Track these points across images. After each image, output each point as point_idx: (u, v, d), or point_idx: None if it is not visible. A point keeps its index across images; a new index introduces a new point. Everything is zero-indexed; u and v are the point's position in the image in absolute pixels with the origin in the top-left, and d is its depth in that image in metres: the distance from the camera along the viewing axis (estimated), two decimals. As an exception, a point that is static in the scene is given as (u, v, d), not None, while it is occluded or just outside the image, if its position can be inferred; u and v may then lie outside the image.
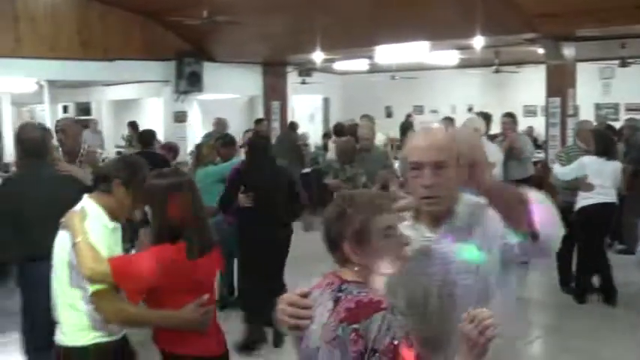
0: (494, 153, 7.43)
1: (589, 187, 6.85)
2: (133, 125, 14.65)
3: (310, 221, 6.50)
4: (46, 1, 11.19)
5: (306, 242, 6.43)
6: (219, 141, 7.45)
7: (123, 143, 14.85)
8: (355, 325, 1.96)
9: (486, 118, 8.82)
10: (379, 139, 10.02)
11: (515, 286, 2.48)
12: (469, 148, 2.29)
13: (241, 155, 7.54)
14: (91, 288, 2.99)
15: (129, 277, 2.97)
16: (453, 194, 2.36)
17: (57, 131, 5.65)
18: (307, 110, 18.77)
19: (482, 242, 2.29)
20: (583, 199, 6.93)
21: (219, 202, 5.92)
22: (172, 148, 8.55)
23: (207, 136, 10.84)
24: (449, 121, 9.55)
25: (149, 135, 8.63)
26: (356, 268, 2.10)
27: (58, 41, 11.27)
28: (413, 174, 2.33)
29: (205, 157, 7.13)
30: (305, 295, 2.18)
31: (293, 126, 13.65)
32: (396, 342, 1.92)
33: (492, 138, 8.75)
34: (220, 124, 11.56)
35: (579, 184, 6.93)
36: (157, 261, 2.99)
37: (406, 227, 2.31)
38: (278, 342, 5.96)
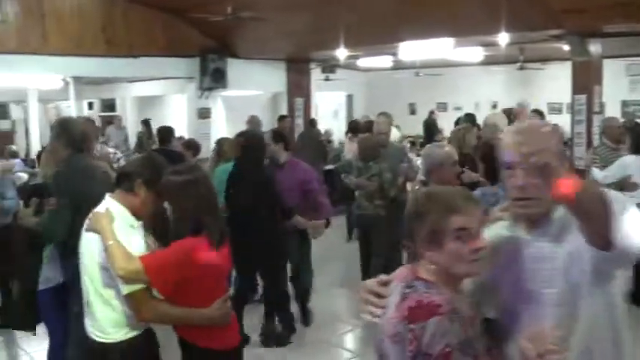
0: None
1: (634, 187, 6.57)
2: (145, 123, 14.73)
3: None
4: (72, -2, 11.30)
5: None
6: (240, 138, 7.47)
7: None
8: (412, 326, 1.96)
9: (510, 114, 8.76)
10: (394, 135, 9.96)
11: (610, 301, 2.19)
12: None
13: None
14: (125, 289, 3.07)
15: (160, 273, 3.06)
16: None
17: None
18: (331, 107, 18.77)
19: (575, 250, 2.07)
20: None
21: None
22: (192, 145, 8.53)
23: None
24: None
25: (166, 132, 8.65)
26: (431, 267, 2.09)
27: (84, 38, 11.35)
28: (506, 174, 2.18)
29: (226, 153, 7.12)
30: (385, 284, 2.17)
31: (313, 122, 13.65)
32: (449, 349, 1.91)
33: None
34: (254, 122, 11.55)
35: (624, 185, 6.58)
36: (185, 254, 3.11)
37: (502, 228, 2.28)
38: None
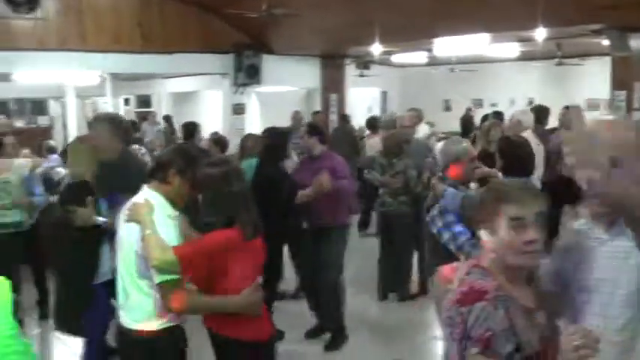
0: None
1: None
2: (167, 119, 14.83)
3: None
4: (109, -5, 11.43)
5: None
6: (264, 134, 7.46)
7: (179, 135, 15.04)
8: (462, 309, 2.02)
9: (540, 111, 8.64)
10: (423, 130, 9.88)
11: None
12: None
13: None
14: (158, 278, 3.11)
15: (194, 263, 3.11)
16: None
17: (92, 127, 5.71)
18: (365, 103, 18.73)
19: None
20: None
21: None
22: (220, 141, 8.52)
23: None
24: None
25: (191, 128, 8.67)
26: (491, 255, 2.12)
27: (121, 35, 11.48)
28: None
29: (250, 149, 7.11)
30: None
31: (346, 118, 13.63)
32: (489, 334, 1.96)
33: (551, 132, 8.55)
34: (297, 117, 11.57)
35: None
36: (218, 245, 3.18)
37: (581, 225, 2.29)
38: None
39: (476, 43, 11.21)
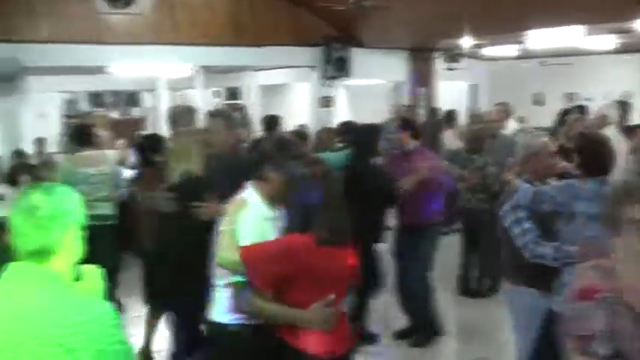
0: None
1: None
2: (239, 109, 14.88)
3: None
4: (202, -10, 11.66)
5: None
6: (341, 127, 7.42)
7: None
8: (575, 305, 2.01)
9: (624, 106, 8.33)
10: (512, 125, 9.65)
11: None
12: None
13: None
14: (231, 278, 3.10)
15: (258, 266, 2.93)
16: None
17: (172, 122, 5.81)
18: (453, 97, 18.47)
19: None
20: None
21: None
22: (301, 134, 8.46)
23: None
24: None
25: (271, 120, 8.72)
26: (615, 254, 2.03)
27: (212, 28, 11.71)
28: None
29: (323, 143, 7.06)
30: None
31: (435, 112, 13.48)
32: (590, 334, 1.93)
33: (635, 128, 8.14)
34: (398, 111, 11.53)
35: None
36: (287, 248, 2.98)
37: None
38: None
39: (570, 36, 10.89)
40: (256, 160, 3.34)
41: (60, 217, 2.07)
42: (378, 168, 5.91)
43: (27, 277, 2.05)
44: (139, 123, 18.66)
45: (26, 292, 2.02)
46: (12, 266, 2.07)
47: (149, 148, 5.84)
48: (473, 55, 15.57)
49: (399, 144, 6.14)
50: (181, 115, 5.72)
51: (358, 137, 5.96)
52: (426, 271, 6.13)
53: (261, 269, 2.94)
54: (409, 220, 5.99)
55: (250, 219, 3.13)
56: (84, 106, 22.54)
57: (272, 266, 2.92)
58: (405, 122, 6.36)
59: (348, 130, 7.22)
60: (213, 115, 5.25)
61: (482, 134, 7.18)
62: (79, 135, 6.77)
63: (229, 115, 5.02)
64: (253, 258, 2.95)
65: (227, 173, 4.28)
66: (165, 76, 14.70)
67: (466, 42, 10.91)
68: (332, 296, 2.97)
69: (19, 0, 10.26)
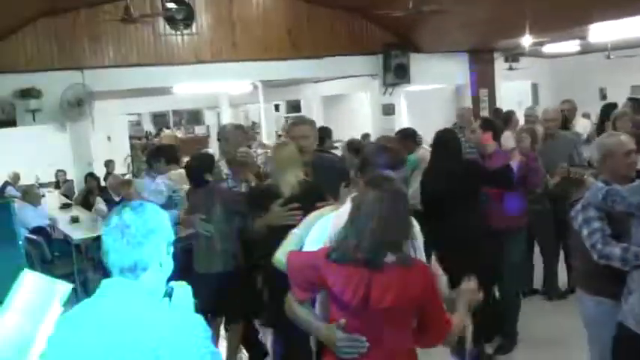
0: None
1: None
2: None
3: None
4: (258, 6, 11.81)
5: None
6: (398, 135, 7.37)
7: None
8: None
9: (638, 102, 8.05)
10: (582, 124, 9.29)
11: None
12: None
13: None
14: None
15: (297, 272, 2.88)
16: None
17: (219, 139, 5.79)
18: (515, 97, 18.21)
19: None
20: None
21: None
22: (354, 145, 7.97)
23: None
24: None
25: (321, 133, 8.55)
26: None
27: (270, 43, 11.84)
28: None
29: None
30: None
31: (498, 113, 13.31)
32: None
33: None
34: (464, 115, 11.37)
35: None
36: (307, 260, 2.90)
37: None
38: None
39: (636, 27, 10.62)
40: (358, 165, 3.25)
41: (150, 233, 2.14)
42: (467, 163, 5.65)
43: (120, 293, 2.12)
44: (202, 140, 18.98)
45: (119, 306, 2.09)
46: (105, 282, 2.15)
47: (205, 167, 5.55)
48: (533, 54, 15.33)
49: (479, 146, 5.88)
50: (231, 133, 5.74)
51: (439, 137, 5.69)
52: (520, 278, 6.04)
53: (299, 276, 2.88)
54: (504, 223, 5.63)
55: (321, 229, 3.09)
56: (147, 126, 23.10)
57: (307, 274, 2.83)
58: (487, 122, 6.03)
59: (405, 136, 7.32)
60: (300, 122, 5.09)
61: (534, 135, 6.83)
62: (166, 154, 6.87)
63: (312, 121, 5.06)
64: (292, 262, 2.92)
65: (330, 176, 4.11)
66: (226, 93, 14.91)
67: (526, 40, 10.74)
68: (342, 320, 2.68)
69: (84, 29, 10.60)
